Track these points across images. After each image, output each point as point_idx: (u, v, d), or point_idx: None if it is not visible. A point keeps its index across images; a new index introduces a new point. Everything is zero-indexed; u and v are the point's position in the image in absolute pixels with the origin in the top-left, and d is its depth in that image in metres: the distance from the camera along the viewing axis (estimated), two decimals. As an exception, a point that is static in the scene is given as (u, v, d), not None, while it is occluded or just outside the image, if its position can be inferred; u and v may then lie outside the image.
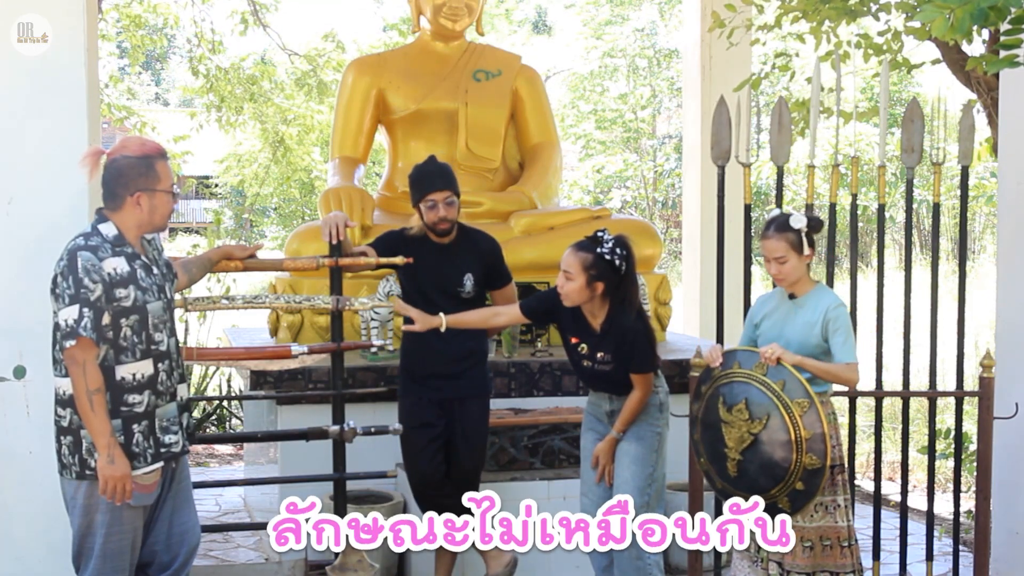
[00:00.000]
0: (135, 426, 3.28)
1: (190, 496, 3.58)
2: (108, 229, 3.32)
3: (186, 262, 3.81)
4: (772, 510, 3.72)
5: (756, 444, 3.72)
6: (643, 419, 4.03)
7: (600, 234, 3.96)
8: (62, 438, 3.28)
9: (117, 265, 3.25)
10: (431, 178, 4.34)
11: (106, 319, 3.21)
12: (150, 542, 3.45)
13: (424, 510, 4.34)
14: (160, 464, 3.35)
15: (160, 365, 3.35)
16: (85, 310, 3.15)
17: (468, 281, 4.37)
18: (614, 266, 3.90)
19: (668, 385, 4.29)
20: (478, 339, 4.45)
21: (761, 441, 3.70)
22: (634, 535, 3.92)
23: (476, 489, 4.45)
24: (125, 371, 3.26)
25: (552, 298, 4.08)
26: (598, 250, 3.89)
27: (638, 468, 3.99)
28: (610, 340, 3.99)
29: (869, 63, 6.02)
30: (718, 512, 4.59)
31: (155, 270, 3.41)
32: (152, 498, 3.37)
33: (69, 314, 3.15)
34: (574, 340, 4.09)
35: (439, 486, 4.41)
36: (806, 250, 3.78)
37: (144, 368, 3.30)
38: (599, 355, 4.01)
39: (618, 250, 3.90)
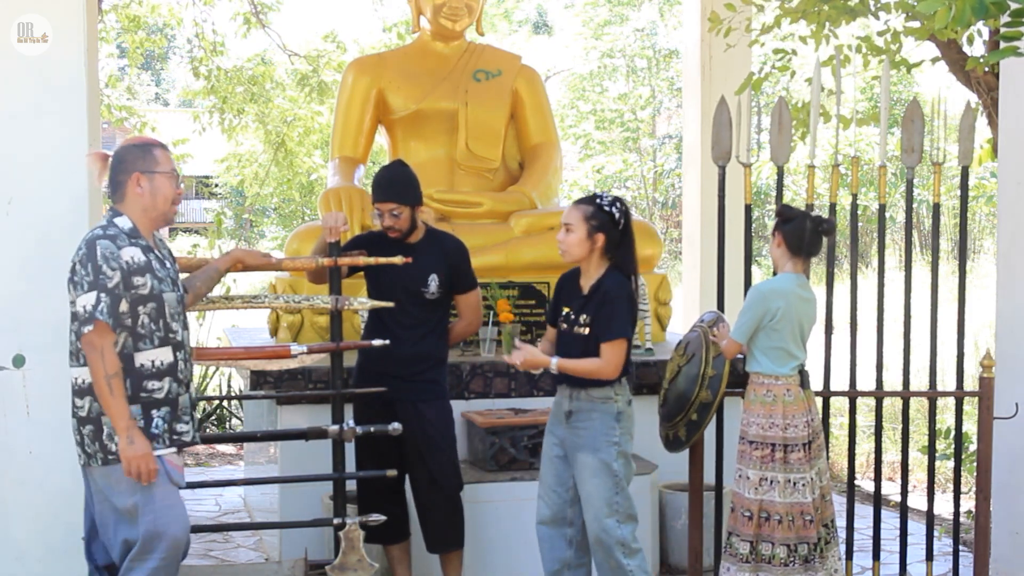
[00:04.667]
0: (155, 411, 3.32)
1: None
2: (123, 222, 3.39)
3: (187, 279, 3.80)
4: (676, 440, 4.33)
5: (677, 376, 4.34)
6: (598, 429, 3.93)
7: (597, 193, 4.04)
8: (82, 428, 3.30)
9: (134, 254, 3.32)
10: (377, 188, 4.36)
11: (124, 306, 3.26)
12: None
13: (363, 510, 4.34)
14: (174, 449, 3.39)
15: (179, 354, 3.41)
16: (103, 295, 3.20)
17: (433, 282, 4.33)
18: (614, 219, 3.94)
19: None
20: (435, 344, 4.40)
21: (681, 373, 4.32)
22: (611, 544, 3.92)
23: (458, 499, 4.43)
24: (144, 358, 3.31)
25: (561, 282, 4.12)
26: (597, 201, 3.95)
27: (600, 480, 3.92)
28: (594, 301, 3.94)
29: (869, 67, 6.02)
30: (718, 512, 4.60)
31: (167, 264, 3.48)
32: (183, 480, 3.42)
33: (87, 300, 3.20)
34: (566, 309, 4.04)
35: (380, 491, 4.38)
36: (772, 231, 4.15)
37: (164, 356, 3.35)
38: (582, 317, 3.95)
39: (617, 204, 3.97)
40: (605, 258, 3.98)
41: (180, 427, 3.42)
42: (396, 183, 4.35)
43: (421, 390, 4.35)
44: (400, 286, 4.31)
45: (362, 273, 4.47)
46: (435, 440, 4.35)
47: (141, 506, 3.27)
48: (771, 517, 4.02)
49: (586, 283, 4.01)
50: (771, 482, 4.02)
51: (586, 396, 3.96)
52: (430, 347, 4.37)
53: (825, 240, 4.22)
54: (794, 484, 4.02)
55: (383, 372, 4.32)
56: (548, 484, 4.10)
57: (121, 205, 3.42)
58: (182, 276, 3.79)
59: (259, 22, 11.55)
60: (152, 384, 3.32)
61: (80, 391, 3.31)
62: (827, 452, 4.38)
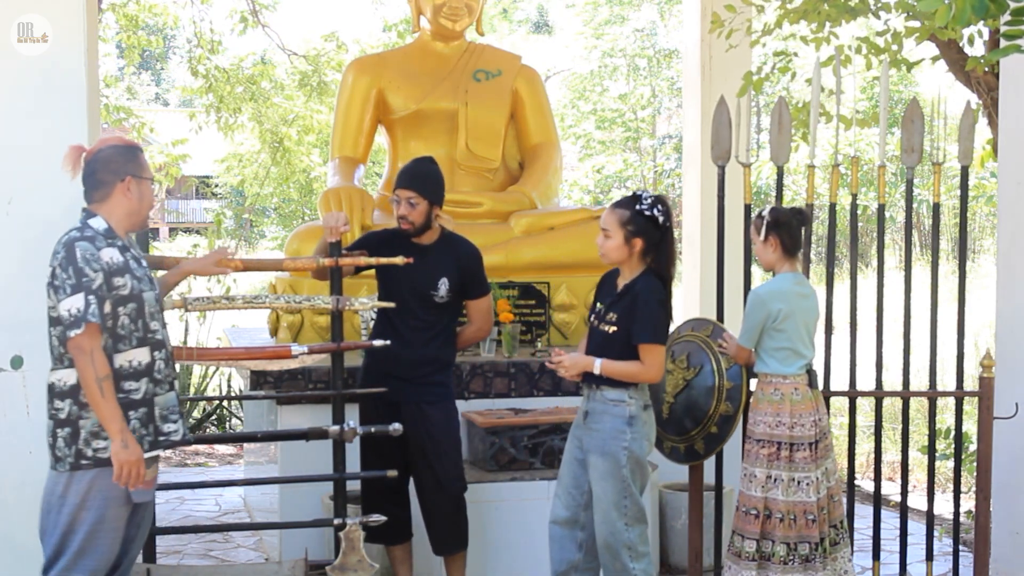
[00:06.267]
0: (132, 413, 3.29)
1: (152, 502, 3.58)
2: (98, 223, 3.35)
3: None
4: (690, 453, 4.32)
5: (687, 389, 4.29)
6: (608, 431, 3.93)
7: (639, 193, 3.96)
8: (58, 430, 3.27)
9: (113, 255, 3.28)
10: (401, 175, 4.36)
11: (106, 307, 3.23)
12: None
13: (366, 510, 4.35)
14: (158, 452, 3.37)
15: (157, 354, 3.37)
16: (90, 298, 3.17)
17: (443, 286, 4.31)
18: (656, 222, 3.89)
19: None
20: (442, 347, 4.38)
21: (691, 386, 4.27)
22: (618, 547, 3.93)
23: (462, 501, 4.43)
24: (123, 359, 3.28)
25: (602, 280, 4.12)
26: (636, 207, 3.90)
27: (607, 483, 3.92)
28: (625, 300, 3.92)
29: (870, 67, 6.02)
30: (717, 511, 4.60)
31: (142, 263, 3.44)
32: (149, 495, 3.38)
33: (73, 303, 3.16)
34: (599, 305, 4.05)
35: (382, 491, 4.38)
36: (764, 236, 4.13)
37: (141, 356, 3.32)
38: (609, 315, 3.94)
39: (658, 206, 3.91)
40: (644, 260, 3.95)
41: (167, 427, 3.39)
42: (421, 174, 4.34)
43: (427, 392, 4.34)
44: (409, 288, 4.31)
45: (370, 272, 4.47)
46: (440, 442, 4.35)
47: (90, 520, 3.24)
48: (772, 515, 4.03)
49: (621, 282, 4.01)
50: (775, 480, 4.03)
51: (600, 398, 3.96)
52: (437, 350, 4.36)
53: (816, 234, 4.25)
54: (798, 483, 4.02)
55: (389, 373, 4.32)
56: (565, 485, 4.10)
57: (99, 206, 3.37)
58: None
59: (256, 21, 11.55)
60: (129, 385, 3.29)
61: (60, 393, 3.27)
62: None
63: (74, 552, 3.26)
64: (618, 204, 3.95)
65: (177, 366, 7.88)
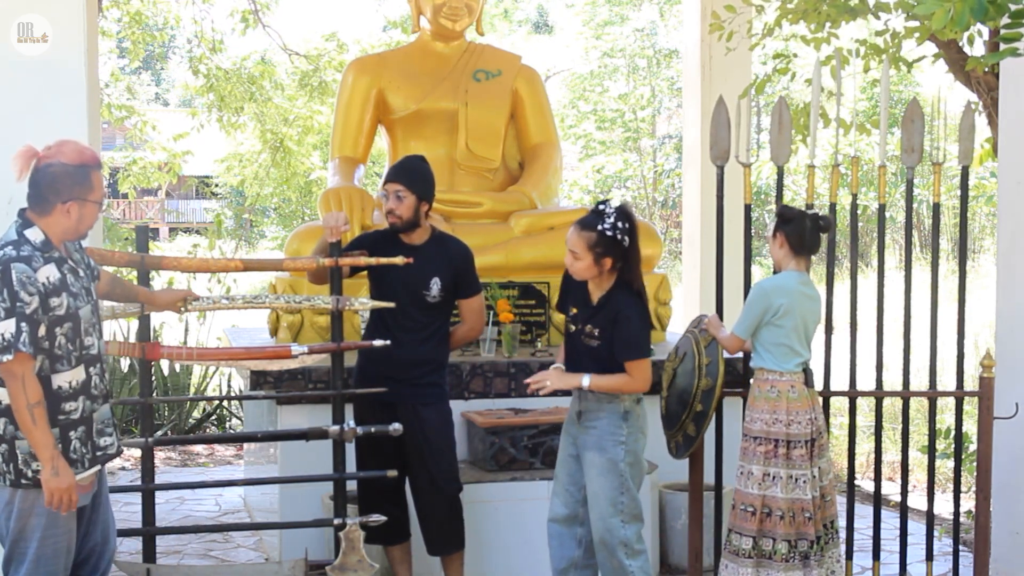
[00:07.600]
0: (72, 433, 3.26)
1: (108, 498, 3.56)
2: (35, 235, 3.26)
3: (116, 279, 3.80)
4: (687, 440, 4.28)
5: (674, 378, 4.37)
6: (605, 428, 3.96)
7: (602, 207, 3.97)
8: None
9: (50, 274, 3.21)
10: (391, 170, 4.42)
11: (42, 330, 3.17)
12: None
13: (363, 510, 4.35)
14: (98, 468, 3.35)
15: (92, 369, 3.33)
16: (22, 324, 3.10)
17: (435, 286, 4.30)
18: (618, 240, 3.93)
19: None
20: (435, 348, 4.38)
21: (677, 374, 4.37)
22: (615, 544, 3.93)
23: (458, 502, 4.43)
24: (61, 379, 3.24)
25: (565, 281, 4.14)
26: (599, 227, 3.91)
27: (605, 480, 3.94)
28: (603, 315, 3.96)
29: (870, 70, 6.02)
30: (718, 511, 4.60)
31: (81, 272, 3.38)
32: (88, 498, 3.35)
33: (6, 328, 3.09)
34: (573, 310, 4.08)
35: (380, 492, 4.39)
36: (772, 231, 4.17)
37: (78, 375, 3.28)
38: (587, 328, 3.98)
39: (619, 224, 3.92)
40: (614, 272, 3.99)
41: (104, 441, 3.36)
42: (409, 169, 4.38)
43: (421, 393, 4.34)
44: (402, 288, 4.30)
45: (365, 273, 4.47)
46: (435, 443, 4.35)
47: (41, 526, 3.23)
48: (772, 513, 4.04)
49: (595, 292, 4.02)
50: (774, 478, 4.04)
51: (593, 396, 3.98)
52: (431, 351, 4.36)
53: (824, 237, 4.24)
54: (795, 480, 4.03)
55: (383, 375, 4.32)
56: (562, 483, 4.12)
57: (38, 218, 3.28)
58: (115, 275, 3.78)
59: (257, 20, 11.56)
60: (69, 406, 3.25)
61: None
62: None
63: (31, 560, 3.24)
64: (583, 225, 3.95)
65: (177, 366, 7.89)
